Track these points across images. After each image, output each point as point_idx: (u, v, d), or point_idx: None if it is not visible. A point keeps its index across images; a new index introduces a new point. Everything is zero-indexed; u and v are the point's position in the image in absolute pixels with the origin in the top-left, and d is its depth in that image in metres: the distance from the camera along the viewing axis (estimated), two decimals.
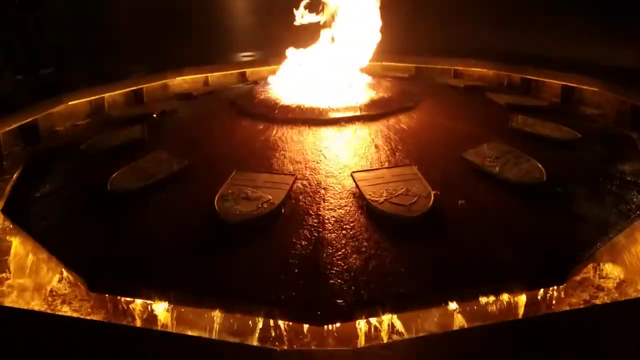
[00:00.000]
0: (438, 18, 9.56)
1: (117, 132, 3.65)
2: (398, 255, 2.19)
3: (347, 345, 1.99)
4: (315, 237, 2.27)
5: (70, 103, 4.89)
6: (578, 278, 2.47)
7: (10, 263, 2.70)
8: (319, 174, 2.72)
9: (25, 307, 2.33)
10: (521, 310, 2.06)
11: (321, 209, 2.45)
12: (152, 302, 2.14)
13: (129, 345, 1.62)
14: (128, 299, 2.20)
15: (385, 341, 1.93)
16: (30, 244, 2.60)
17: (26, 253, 2.63)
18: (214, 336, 1.93)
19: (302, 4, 4.20)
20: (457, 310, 2.01)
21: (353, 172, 2.68)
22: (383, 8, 4.03)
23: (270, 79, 4.07)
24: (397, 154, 2.93)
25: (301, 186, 2.61)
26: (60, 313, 2.29)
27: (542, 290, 2.15)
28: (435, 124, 3.45)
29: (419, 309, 2.04)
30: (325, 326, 1.98)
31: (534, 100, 4.50)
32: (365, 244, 2.24)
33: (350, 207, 2.47)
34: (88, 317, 2.22)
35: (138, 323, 2.14)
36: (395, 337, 1.94)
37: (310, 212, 2.43)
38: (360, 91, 3.69)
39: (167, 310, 2.10)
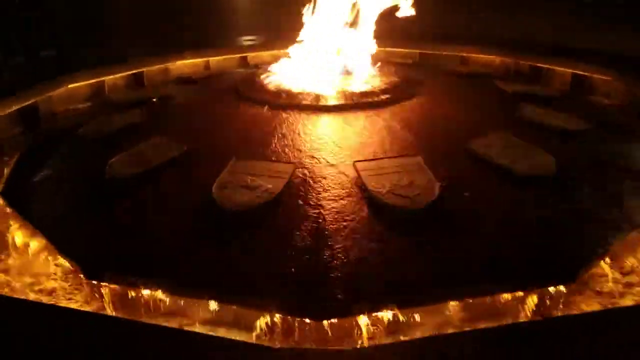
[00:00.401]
0: (445, 4, 9.36)
1: (116, 116, 3.59)
2: (400, 249, 2.13)
3: (346, 342, 1.94)
4: (315, 229, 2.21)
5: (70, 86, 4.81)
6: (588, 277, 2.37)
7: (7, 248, 2.65)
8: (320, 162, 2.65)
9: (20, 295, 2.28)
10: (528, 311, 1.99)
11: (322, 199, 2.38)
12: (148, 292, 2.10)
13: (124, 338, 1.58)
14: (123, 287, 2.15)
15: (384, 339, 1.88)
16: (28, 230, 2.56)
17: (24, 239, 2.59)
18: (208, 328, 1.88)
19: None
20: (460, 309, 1.94)
21: (355, 161, 2.61)
22: None
23: (273, 64, 3.97)
24: (401, 143, 2.85)
25: (301, 175, 2.54)
26: (54, 302, 2.24)
27: (550, 289, 2.06)
28: (441, 112, 3.36)
29: (420, 305, 1.97)
30: (324, 321, 1.93)
31: (543, 88, 4.38)
32: (367, 236, 2.17)
33: (352, 197, 2.40)
34: (83, 308, 2.16)
35: (133, 313, 2.09)
36: (392, 337, 1.88)
37: (311, 202, 2.36)
38: (363, 78, 3.60)
39: (161, 301, 2.05)
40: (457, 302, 1.99)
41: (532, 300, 2.06)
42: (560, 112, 3.33)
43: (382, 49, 5.42)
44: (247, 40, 6.45)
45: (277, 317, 1.95)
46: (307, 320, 1.95)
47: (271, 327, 1.96)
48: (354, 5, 3.92)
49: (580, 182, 2.61)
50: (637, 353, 1.50)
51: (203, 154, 2.86)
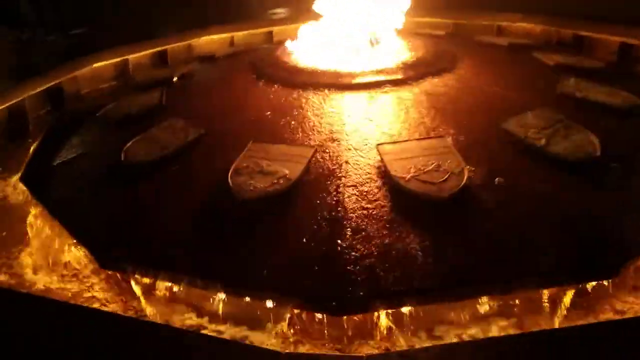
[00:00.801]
0: None
1: (136, 97, 3.53)
2: (424, 240, 1.97)
3: (364, 339, 1.84)
4: (333, 218, 2.08)
5: (95, 65, 4.80)
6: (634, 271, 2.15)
7: (27, 235, 2.66)
8: (341, 145, 2.50)
9: (37, 283, 2.29)
10: (563, 310, 1.82)
11: (341, 185, 2.24)
12: (160, 282, 2.04)
13: (131, 338, 1.52)
14: (135, 277, 2.11)
15: (404, 338, 1.76)
16: (46, 216, 2.55)
17: (42, 225, 2.59)
18: (219, 324, 1.80)
19: None
20: (489, 307, 1.79)
21: (379, 144, 2.45)
22: None
23: (294, 39, 3.80)
24: (429, 123, 2.66)
25: (321, 159, 2.41)
26: (69, 287, 2.23)
27: (589, 285, 1.88)
28: (474, 88, 3.12)
29: (444, 302, 1.84)
30: (342, 317, 1.82)
31: (587, 60, 4.01)
32: (388, 226, 2.03)
33: (374, 184, 2.25)
34: (95, 295, 2.14)
35: (143, 303, 2.05)
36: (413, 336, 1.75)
37: (330, 189, 2.23)
38: (390, 52, 3.39)
39: (170, 293, 1.99)
40: (486, 299, 1.85)
41: (570, 296, 1.89)
42: (607, 87, 3.02)
43: (412, 19, 5.12)
44: (274, 13, 6.24)
45: (294, 312, 1.87)
46: (325, 316, 1.85)
47: (288, 323, 1.87)
48: None
49: (629, 166, 2.35)
50: None
51: (221, 136, 2.77)
